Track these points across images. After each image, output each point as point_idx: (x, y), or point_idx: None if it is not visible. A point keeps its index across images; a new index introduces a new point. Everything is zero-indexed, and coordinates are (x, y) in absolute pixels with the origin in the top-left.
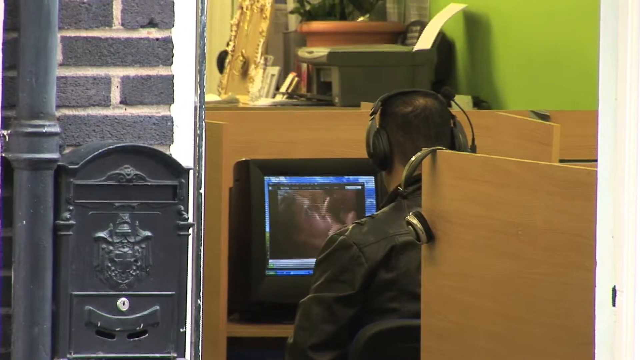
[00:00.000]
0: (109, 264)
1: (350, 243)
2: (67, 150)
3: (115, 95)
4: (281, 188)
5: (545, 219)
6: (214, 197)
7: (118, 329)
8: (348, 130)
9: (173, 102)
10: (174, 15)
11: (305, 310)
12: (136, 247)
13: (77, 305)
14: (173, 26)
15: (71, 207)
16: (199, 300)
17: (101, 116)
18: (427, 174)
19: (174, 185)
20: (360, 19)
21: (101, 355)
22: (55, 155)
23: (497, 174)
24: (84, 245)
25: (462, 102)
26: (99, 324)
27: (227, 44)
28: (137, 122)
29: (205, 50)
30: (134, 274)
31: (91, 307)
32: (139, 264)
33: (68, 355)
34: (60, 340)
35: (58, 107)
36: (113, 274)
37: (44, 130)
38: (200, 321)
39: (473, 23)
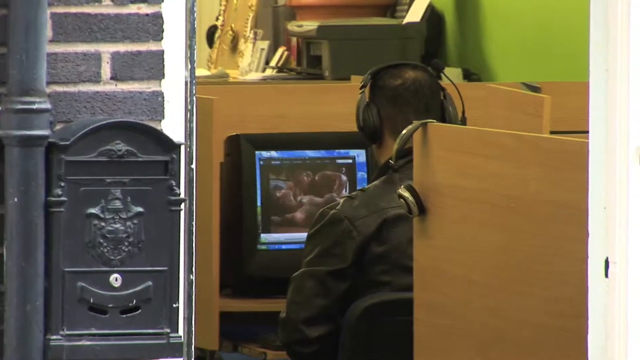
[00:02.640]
0: (101, 240)
1: (342, 217)
2: (58, 127)
3: (106, 71)
4: (272, 162)
5: (537, 191)
6: (205, 172)
7: (111, 305)
8: (338, 104)
9: (163, 78)
10: None
11: (297, 284)
12: (128, 223)
13: (70, 282)
14: (163, 1)
15: (62, 184)
16: (191, 276)
17: (92, 92)
18: (418, 147)
19: (166, 161)
20: None
21: (94, 331)
22: (46, 132)
23: (488, 146)
24: (76, 221)
25: (452, 75)
26: (91, 301)
27: (217, 19)
28: (128, 97)
29: (195, 25)
30: (126, 250)
31: (83, 284)
32: (131, 239)
33: (61, 332)
34: (53, 317)
35: (48, 83)
36: (105, 250)
37: (34, 106)
38: (193, 296)
39: None
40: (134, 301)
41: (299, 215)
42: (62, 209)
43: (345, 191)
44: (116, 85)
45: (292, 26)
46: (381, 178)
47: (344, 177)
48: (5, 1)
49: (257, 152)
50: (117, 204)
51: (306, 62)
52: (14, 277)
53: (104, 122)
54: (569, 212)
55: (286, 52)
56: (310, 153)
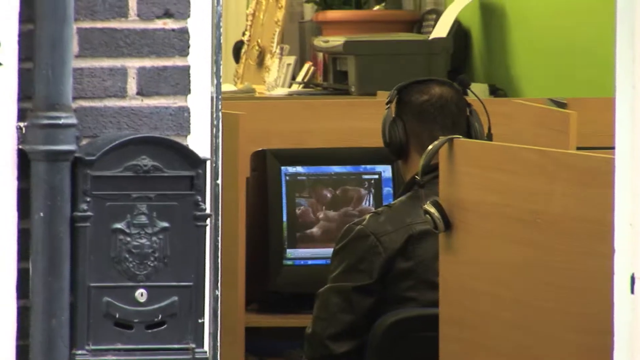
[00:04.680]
0: (127, 255)
1: (368, 233)
2: (84, 142)
3: (132, 86)
4: (298, 178)
5: (563, 207)
6: (230, 187)
7: (136, 320)
8: (364, 119)
9: (189, 93)
10: (189, 6)
11: (323, 300)
12: (154, 238)
13: (95, 297)
14: (189, 16)
15: (88, 199)
16: (216, 291)
17: (118, 107)
18: (444, 163)
19: (191, 176)
20: (376, 7)
21: (119, 346)
22: (72, 147)
23: (514, 162)
24: (102, 236)
25: (478, 90)
26: (117, 316)
27: (243, 34)
28: (154, 113)
29: (221, 41)
30: (151, 265)
31: (109, 299)
32: (156, 255)
33: (86, 347)
34: (79, 332)
35: (74, 98)
36: (131, 265)
37: (60, 121)
38: (218, 312)
39: (488, 11)
40: (160, 316)
41: (318, 230)
42: (87, 224)
43: (366, 205)
44: (142, 100)
45: (319, 41)
46: (407, 194)
47: (363, 192)
48: (32, 16)
49: (282, 168)
50: (143, 219)
51: (332, 77)
52: (40, 291)
53: (130, 137)
54: (595, 228)
55: (312, 68)
56: (336, 168)
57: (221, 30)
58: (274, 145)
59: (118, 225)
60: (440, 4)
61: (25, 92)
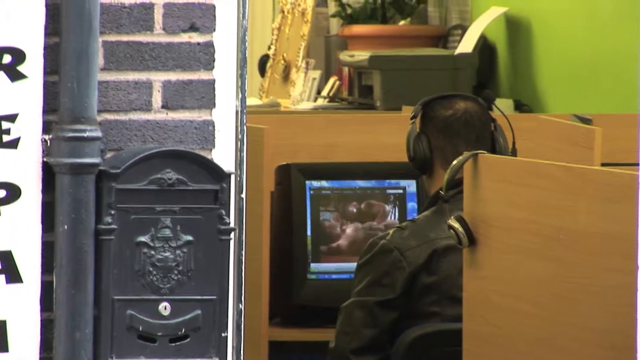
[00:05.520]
0: (151, 269)
1: (391, 247)
2: (109, 155)
3: (157, 99)
4: (322, 192)
5: (587, 223)
6: (255, 201)
7: (160, 334)
8: (389, 134)
9: (214, 107)
10: (215, 20)
11: (346, 314)
12: (177, 252)
13: (119, 310)
14: (214, 30)
15: (113, 212)
16: (240, 305)
17: (143, 120)
18: (468, 178)
19: (216, 190)
20: (402, 22)
21: (143, 359)
22: (96, 160)
23: (538, 177)
24: (126, 249)
25: (503, 106)
26: (140, 329)
27: (269, 48)
28: (179, 126)
29: (246, 55)
30: (175, 278)
31: (133, 312)
32: (180, 268)
33: None
34: (102, 345)
35: (99, 111)
36: (154, 278)
37: (85, 134)
38: (242, 325)
39: (514, 26)
40: (183, 330)
41: (343, 243)
42: (112, 237)
43: (391, 220)
44: (167, 113)
45: (344, 56)
46: (431, 208)
47: (388, 207)
48: (58, 29)
49: (307, 182)
50: (167, 232)
51: (357, 91)
52: (64, 304)
53: (155, 150)
54: (619, 244)
55: (338, 82)
56: (361, 183)
57: (246, 44)
58: (298, 159)
59: (142, 239)
60: (466, 19)
61: (51, 105)
